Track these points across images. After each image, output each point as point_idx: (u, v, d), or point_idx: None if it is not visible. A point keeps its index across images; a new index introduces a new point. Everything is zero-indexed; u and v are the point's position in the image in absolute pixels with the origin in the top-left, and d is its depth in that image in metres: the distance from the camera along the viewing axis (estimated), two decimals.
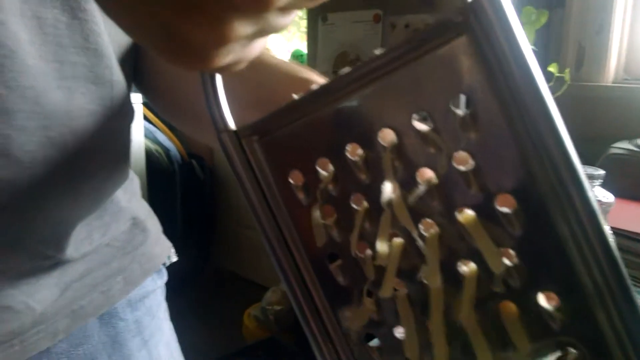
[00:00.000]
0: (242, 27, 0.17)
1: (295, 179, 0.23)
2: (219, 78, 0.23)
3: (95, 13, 0.32)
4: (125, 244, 0.43)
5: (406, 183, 0.21)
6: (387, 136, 0.21)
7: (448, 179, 0.20)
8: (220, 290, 2.09)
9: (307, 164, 0.22)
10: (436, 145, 0.20)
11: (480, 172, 0.19)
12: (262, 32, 0.18)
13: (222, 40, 0.17)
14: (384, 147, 0.21)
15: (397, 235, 0.21)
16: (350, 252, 0.22)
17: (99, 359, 0.41)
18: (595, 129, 1.12)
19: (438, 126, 0.20)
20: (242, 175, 0.24)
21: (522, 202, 0.19)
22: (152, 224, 0.47)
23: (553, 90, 1.09)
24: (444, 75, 0.19)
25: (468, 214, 0.19)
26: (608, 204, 0.61)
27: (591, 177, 0.60)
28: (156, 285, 0.48)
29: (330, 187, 0.22)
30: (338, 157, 0.22)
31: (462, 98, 0.19)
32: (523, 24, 1.01)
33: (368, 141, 0.21)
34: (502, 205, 0.19)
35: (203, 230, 2.02)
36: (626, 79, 1.20)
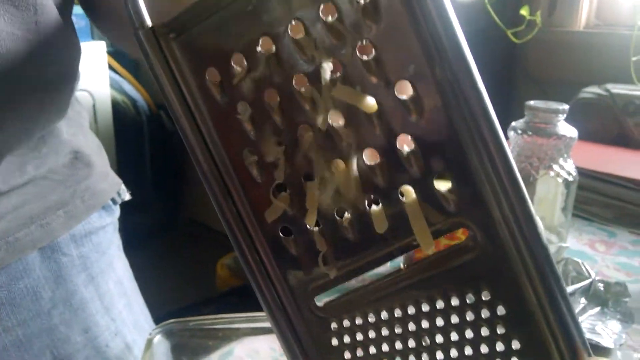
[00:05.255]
0: None
1: (212, 76, 0.23)
2: None
3: None
4: (66, 177, 0.42)
5: (315, 75, 0.21)
6: (295, 29, 0.21)
7: (352, 69, 0.20)
8: (192, 242, 2.11)
9: (224, 62, 0.23)
10: (341, 35, 0.20)
11: (382, 61, 0.20)
12: None
13: None
14: (293, 40, 0.21)
15: (306, 127, 0.22)
16: (264, 149, 0.23)
17: (41, 293, 0.41)
18: (566, 73, 1.14)
19: (342, 16, 0.20)
20: (161, 76, 0.24)
21: (419, 89, 0.20)
22: (99, 159, 0.46)
23: (524, 34, 1.10)
24: None
25: (369, 101, 0.20)
26: (571, 139, 0.63)
27: (555, 112, 0.62)
28: (105, 222, 0.47)
29: (244, 83, 0.23)
30: (252, 52, 0.22)
31: None
32: None
33: (279, 34, 0.21)
34: (400, 92, 0.20)
35: (173, 182, 2.02)
36: (597, 25, 1.21)
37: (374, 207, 0.22)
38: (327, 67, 0.21)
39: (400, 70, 0.20)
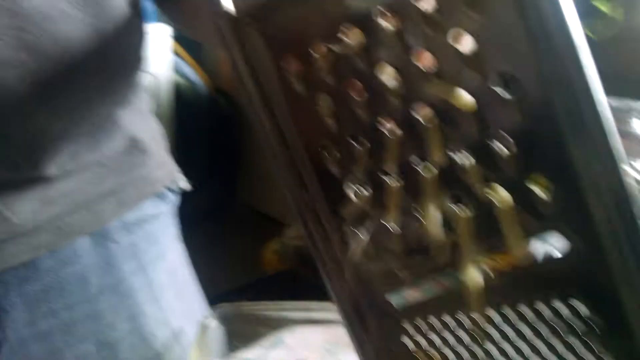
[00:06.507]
0: None
1: (292, 66, 0.22)
2: None
3: None
4: (121, 164, 0.42)
5: (404, 67, 0.20)
6: (386, 19, 0.20)
7: (446, 61, 0.19)
8: (243, 225, 2.13)
9: (305, 51, 0.22)
10: (437, 25, 0.19)
11: (482, 54, 0.18)
12: None
13: None
14: (383, 30, 0.20)
15: (396, 125, 0.21)
16: (343, 142, 0.22)
17: (89, 279, 0.41)
18: None
19: (440, 3, 0.19)
20: (239, 64, 0.23)
21: (521, 85, 0.18)
22: (157, 146, 0.46)
23: (602, 30, 1.03)
24: None
25: (466, 98, 0.19)
26: None
27: (629, 110, 0.59)
28: (159, 210, 0.46)
29: (328, 75, 0.22)
30: (336, 42, 0.21)
31: None
32: None
33: (366, 23, 0.20)
34: (499, 88, 0.18)
35: (228, 165, 2.04)
36: None
37: (458, 209, 0.20)
38: (419, 59, 0.20)
39: (502, 64, 0.18)
